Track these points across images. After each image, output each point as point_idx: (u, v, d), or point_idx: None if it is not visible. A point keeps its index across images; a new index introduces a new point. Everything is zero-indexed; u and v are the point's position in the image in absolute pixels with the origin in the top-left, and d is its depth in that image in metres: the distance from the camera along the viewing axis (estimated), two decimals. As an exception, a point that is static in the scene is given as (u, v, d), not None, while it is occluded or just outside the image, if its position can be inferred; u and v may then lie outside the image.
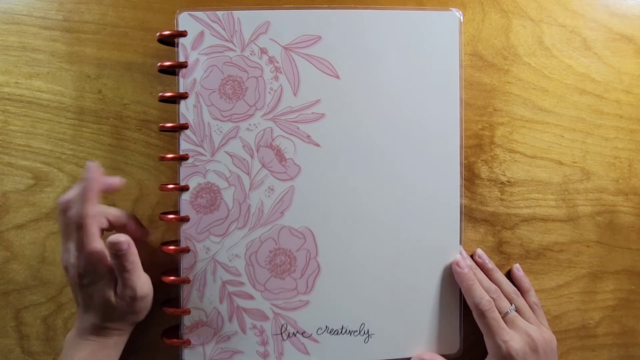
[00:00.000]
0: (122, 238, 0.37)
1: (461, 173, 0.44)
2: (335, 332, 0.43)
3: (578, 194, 0.47)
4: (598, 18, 0.47)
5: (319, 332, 0.43)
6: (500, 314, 0.41)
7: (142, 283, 0.39)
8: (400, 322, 0.43)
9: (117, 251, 0.37)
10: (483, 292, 0.42)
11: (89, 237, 0.37)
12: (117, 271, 0.38)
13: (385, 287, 0.43)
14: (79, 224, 0.37)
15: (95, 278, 0.38)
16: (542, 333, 0.41)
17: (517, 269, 0.46)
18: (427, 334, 0.44)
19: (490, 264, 0.45)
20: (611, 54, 0.47)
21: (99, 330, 0.39)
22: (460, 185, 0.44)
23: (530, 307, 0.44)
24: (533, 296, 0.44)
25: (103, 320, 0.39)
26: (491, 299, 0.41)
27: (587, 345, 0.47)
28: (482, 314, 0.41)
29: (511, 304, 0.42)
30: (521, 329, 0.41)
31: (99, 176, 0.38)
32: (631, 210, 0.48)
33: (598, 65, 0.47)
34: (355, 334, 0.43)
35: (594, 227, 0.47)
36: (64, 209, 0.38)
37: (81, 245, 0.37)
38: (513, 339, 0.40)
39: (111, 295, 0.38)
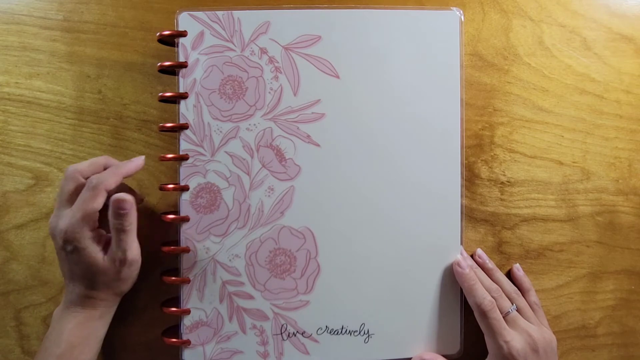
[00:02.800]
0: (127, 197, 0.38)
1: (462, 173, 0.44)
2: (336, 332, 0.43)
3: (578, 194, 0.47)
4: (598, 18, 0.47)
5: (319, 332, 0.43)
6: (501, 313, 0.41)
7: (135, 247, 0.39)
8: (400, 322, 0.43)
9: (120, 209, 0.37)
10: (485, 292, 0.42)
11: (96, 201, 0.38)
12: (113, 230, 0.38)
13: (385, 287, 0.43)
14: (97, 191, 0.37)
15: (82, 243, 0.38)
16: (542, 333, 0.41)
17: (517, 269, 0.46)
18: (428, 334, 0.44)
19: (490, 264, 0.45)
20: (611, 54, 0.47)
21: (84, 299, 0.39)
22: (461, 186, 0.44)
23: (531, 306, 0.44)
24: (533, 296, 0.44)
25: (88, 287, 0.39)
26: (493, 299, 0.41)
27: (587, 345, 0.47)
28: (484, 314, 0.41)
29: (512, 304, 0.42)
30: (522, 328, 0.41)
31: (138, 167, 0.40)
32: (631, 210, 0.48)
33: (598, 65, 0.47)
34: (356, 334, 0.43)
35: (594, 227, 0.47)
36: (73, 177, 0.38)
37: (85, 206, 0.37)
38: (514, 339, 0.40)
39: (99, 258, 0.38)
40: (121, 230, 0.38)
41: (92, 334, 0.40)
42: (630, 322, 0.48)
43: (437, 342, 0.44)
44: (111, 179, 0.38)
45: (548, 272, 0.47)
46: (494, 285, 0.43)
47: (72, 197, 0.39)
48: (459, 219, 0.44)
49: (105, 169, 0.40)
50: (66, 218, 0.38)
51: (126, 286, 0.41)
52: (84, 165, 0.39)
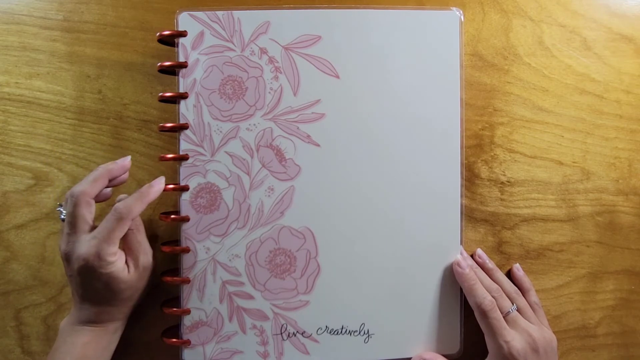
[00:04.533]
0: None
1: (462, 173, 0.44)
2: (336, 332, 0.43)
3: (578, 194, 0.47)
4: (598, 18, 0.47)
5: (319, 332, 0.43)
6: (501, 313, 0.41)
7: (149, 248, 0.42)
8: (400, 322, 0.43)
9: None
10: (485, 292, 0.42)
11: (123, 230, 0.38)
12: (133, 232, 0.40)
13: (385, 287, 0.43)
14: (124, 221, 0.38)
15: (107, 268, 0.38)
16: (542, 333, 0.41)
17: (517, 269, 0.46)
18: (427, 334, 0.44)
19: (490, 264, 0.45)
20: (611, 54, 0.47)
21: (100, 316, 0.39)
22: (461, 186, 0.44)
23: (531, 306, 0.44)
24: (533, 296, 0.45)
25: (105, 304, 0.39)
26: (493, 299, 0.41)
27: (587, 345, 0.47)
28: (485, 314, 0.41)
29: (512, 304, 0.42)
30: (522, 328, 0.41)
31: (160, 190, 0.40)
32: (631, 210, 0.48)
33: (598, 65, 0.47)
34: (355, 334, 0.43)
35: (594, 227, 0.47)
36: (83, 202, 0.38)
37: (112, 235, 0.37)
38: (515, 339, 0.40)
39: (124, 275, 0.39)
40: (138, 232, 0.40)
41: (106, 347, 0.40)
42: (630, 322, 0.48)
43: (437, 342, 0.44)
44: (138, 208, 0.39)
45: (548, 272, 0.47)
46: (494, 285, 0.43)
47: (84, 221, 0.38)
48: (459, 219, 0.44)
49: (109, 179, 0.39)
50: (87, 244, 0.37)
51: (142, 294, 0.42)
52: (88, 186, 0.38)
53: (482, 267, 0.45)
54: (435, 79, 0.43)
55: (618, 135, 0.47)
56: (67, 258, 0.38)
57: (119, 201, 0.39)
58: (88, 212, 0.38)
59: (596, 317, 0.47)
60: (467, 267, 0.43)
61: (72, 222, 0.38)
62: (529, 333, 0.40)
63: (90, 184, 0.38)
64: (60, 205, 0.40)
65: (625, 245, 0.48)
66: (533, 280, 0.46)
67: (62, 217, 0.39)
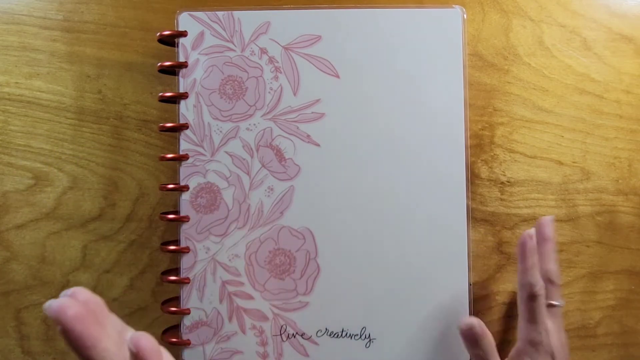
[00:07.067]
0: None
1: (467, 174, 0.43)
2: (336, 335, 0.43)
3: (578, 194, 0.47)
4: (598, 18, 0.47)
5: (319, 334, 0.43)
6: (548, 301, 0.40)
7: None
8: (403, 327, 0.43)
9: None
10: (539, 276, 0.40)
11: None
12: None
13: (387, 290, 0.43)
14: None
15: None
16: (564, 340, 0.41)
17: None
18: (433, 341, 0.43)
19: (552, 252, 0.42)
20: (611, 54, 0.47)
21: None
22: (467, 187, 0.43)
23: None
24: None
25: None
26: (543, 287, 0.40)
27: (587, 345, 0.47)
28: (534, 298, 0.39)
29: (562, 300, 0.41)
30: (559, 326, 0.40)
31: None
32: (631, 210, 0.48)
33: (598, 65, 0.47)
34: (356, 337, 0.43)
35: (594, 227, 0.47)
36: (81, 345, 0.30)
37: None
38: (552, 331, 0.39)
39: None
40: None
41: None
42: (630, 322, 0.48)
43: (443, 350, 0.43)
44: None
45: (548, 272, 0.47)
46: (555, 274, 0.41)
47: None
48: (465, 221, 0.43)
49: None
50: None
51: None
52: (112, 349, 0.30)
53: (541, 244, 0.42)
54: (438, 78, 0.43)
55: (618, 135, 0.47)
56: None
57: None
58: None
59: (596, 317, 0.47)
60: (535, 248, 0.41)
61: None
62: (563, 334, 0.40)
63: (114, 348, 0.30)
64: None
65: (625, 245, 0.48)
66: (533, 280, 0.46)
67: None
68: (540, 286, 0.40)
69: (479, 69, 0.46)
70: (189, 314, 0.42)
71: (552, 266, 0.42)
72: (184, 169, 0.42)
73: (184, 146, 0.42)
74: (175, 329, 0.43)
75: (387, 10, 0.43)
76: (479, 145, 0.46)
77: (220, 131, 0.42)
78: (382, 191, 0.43)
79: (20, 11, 0.45)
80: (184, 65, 0.42)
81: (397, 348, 0.43)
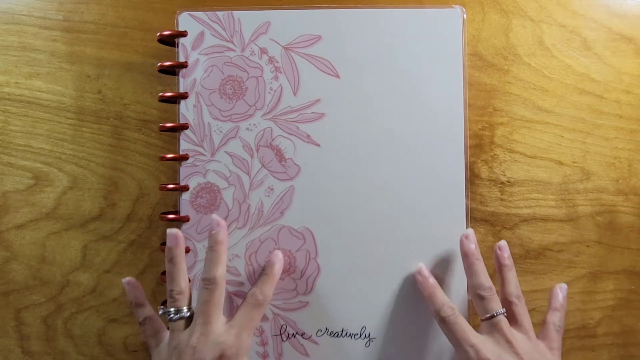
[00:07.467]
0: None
1: (466, 174, 0.43)
2: (336, 335, 0.43)
3: (578, 194, 0.47)
4: (598, 18, 0.47)
5: (319, 334, 0.43)
6: (482, 315, 0.38)
7: None
8: (403, 327, 0.43)
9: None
10: (446, 298, 0.39)
11: (261, 315, 0.39)
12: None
13: (387, 290, 0.43)
14: (263, 307, 0.38)
15: (242, 357, 0.37)
16: (533, 346, 0.37)
17: (561, 289, 0.42)
18: (432, 341, 0.43)
19: (507, 260, 0.40)
20: (611, 54, 0.47)
21: None
22: (466, 187, 0.43)
23: (546, 326, 0.40)
24: (557, 318, 0.40)
25: None
26: (454, 306, 0.38)
27: (587, 345, 0.47)
28: (443, 320, 0.38)
29: (502, 308, 0.38)
30: (501, 334, 0.36)
31: (280, 267, 0.40)
32: (631, 210, 0.48)
33: (598, 65, 0.47)
34: (356, 337, 0.43)
35: (594, 227, 0.47)
36: (220, 289, 0.37)
37: (253, 324, 0.37)
38: (485, 342, 0.36)
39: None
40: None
41: None
42: (630, 322, 0.48)
43: (442, 350, 0.43)
44: (271, 292, 0.39)
45: (548, 272, 0.47)
46: (488, 283, 0.38)
47: (221, 309, 0.37)
48: (464, 221, 0.43)
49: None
50: (225, 335, 0.36)
51: None
52: (224, 268, 0.38)
53: (497, 260, 0.41)
54: (438, 78, 0.43)
55: (618, 135, 0.47)
56: (194, 352, 0.35)
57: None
58: (223, 298, 0.37)
59: (596, 317, 0.47)
60: (429, 276, 0.41)
61: (209, 311, 0.36)
62: (507, 339, 0.36)
63: (224, 265, 0.38)
64: (163, 305, 0.39)
65: (625, 245, 0.48)
66: (533, 280, 0.46)
67: (174, 316, 0.37)
68: (447, 307, 0.38)
69: (479, 69, 0.46)
70: (189, 314, 0.42)
71: (510, 275, 0.40)
72: (184, 169, 0.42)
73: (184, 146, 0.42)
74: (175, 329, 0.43)
75: (387, 10, 0.43)
76: (479, 145, 0.46)
77: (220, 131, 0.42)
78: (382, 191, 0.43)
79: (20, 11, 0.45)
80: (184, 65, 0.42)
81: (397, 348, 0.43)
